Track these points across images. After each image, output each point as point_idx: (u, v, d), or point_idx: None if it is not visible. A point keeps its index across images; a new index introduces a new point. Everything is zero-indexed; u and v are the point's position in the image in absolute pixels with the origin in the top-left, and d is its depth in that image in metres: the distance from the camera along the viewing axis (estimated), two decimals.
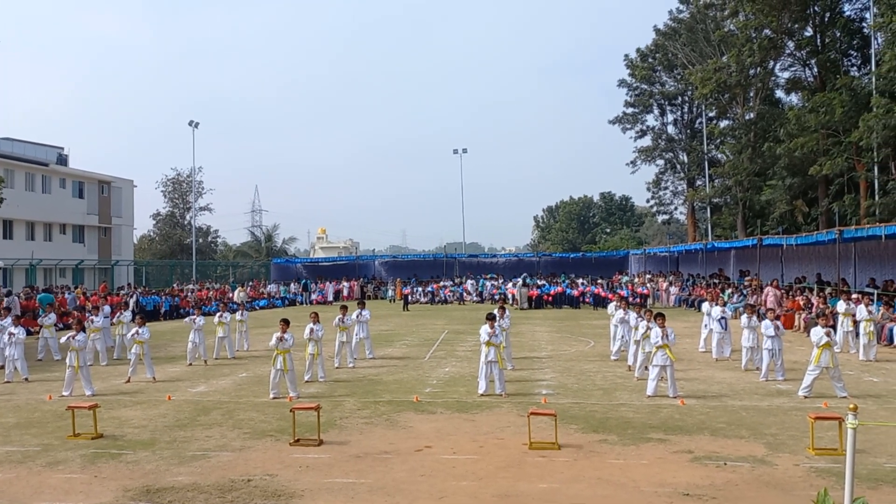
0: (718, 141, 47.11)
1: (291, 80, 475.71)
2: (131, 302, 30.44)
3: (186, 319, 19.30)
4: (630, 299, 31.24)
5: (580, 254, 56.56)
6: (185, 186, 65.65)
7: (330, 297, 44.83)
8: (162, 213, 67.23)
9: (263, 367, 16.50)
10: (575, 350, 20.27)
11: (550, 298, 38.76)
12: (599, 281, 41.04)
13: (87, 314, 22.38)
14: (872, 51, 30.12)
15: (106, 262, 50.51)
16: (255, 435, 10.54)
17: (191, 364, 17.99)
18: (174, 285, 41.30)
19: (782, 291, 26.62)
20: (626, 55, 51.59)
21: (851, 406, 5.52)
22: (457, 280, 46.93)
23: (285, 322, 13.83)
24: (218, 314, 19.52)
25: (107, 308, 21.45)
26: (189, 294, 38.08)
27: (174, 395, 13.89)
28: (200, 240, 64.77)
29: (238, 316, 21.43)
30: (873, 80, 28.67)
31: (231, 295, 39.64)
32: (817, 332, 12.81)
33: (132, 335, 15.69)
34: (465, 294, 44.36)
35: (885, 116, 25.86)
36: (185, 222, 66.16)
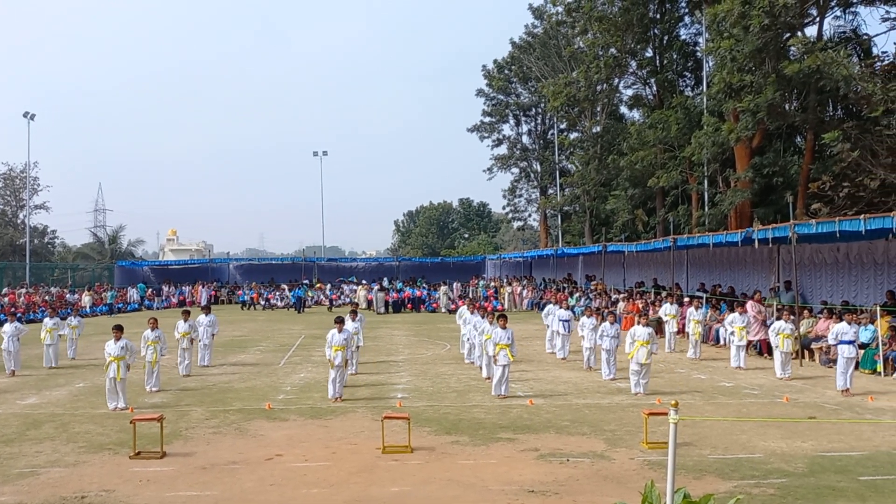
0: (568, 152, 49.42)
1: (139, 73, 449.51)
2: None
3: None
4: (488, 304, 32.18)
5: (439, 258, 57.41)
6: (18, 182, 60.51)
7: (186, 301, 42.86)
8: None
9: (103, 377, 15.51)
10: (431, 353, 20.56)
11: (409, 303, 39.08)
12: (456, 285, 41.89)
13: None
14: (704, 73, 32.62)
15: None
16: (92, 448, 9.92)
17: (12, 374, 16.65)
18: (4, 289, 37.89)
19: (766, 307, 20.21)
20: (484, 66, 53.07)
21: (673, 402, 5.99)
22: (317, 284, 46.26)
23: (119, 329, 13.10)
24: (46, 319, 18.37)
25: None
26: (21, 298, 35.15)
27: (0, 408, 12.80)
28: (36, 240, 59.89)
29: (72, 321, 20.02)
30: (704, 100, 31.04)
31: (78, 300, 37.35)
32: (640, 332, 13.80)
33: None
34: (324, 298, 43.79)
35: (714, 134, 27.96)
36: (19, 221, 61.01)
